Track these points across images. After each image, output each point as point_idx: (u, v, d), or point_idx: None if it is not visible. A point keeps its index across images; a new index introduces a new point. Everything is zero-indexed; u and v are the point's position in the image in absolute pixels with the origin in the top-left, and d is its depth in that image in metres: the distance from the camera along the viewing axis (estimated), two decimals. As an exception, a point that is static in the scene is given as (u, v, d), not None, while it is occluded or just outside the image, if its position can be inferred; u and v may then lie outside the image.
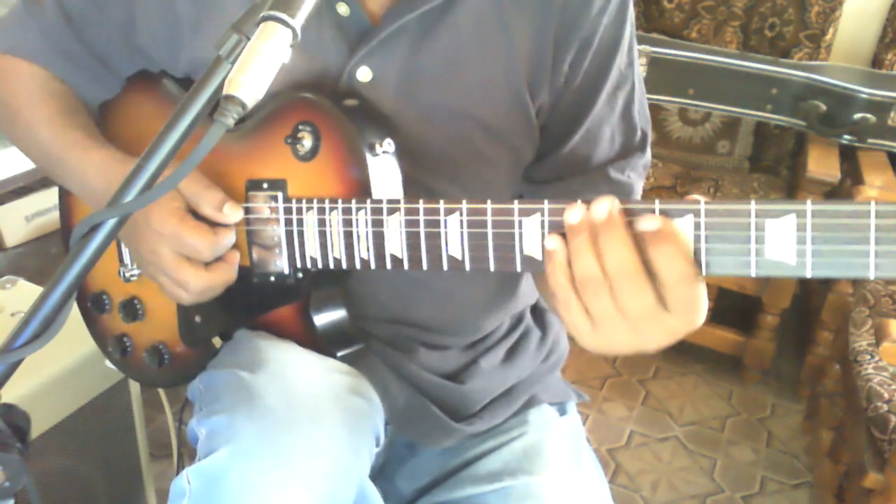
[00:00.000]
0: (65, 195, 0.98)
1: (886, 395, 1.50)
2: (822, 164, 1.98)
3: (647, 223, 0.56)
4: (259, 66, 0.57)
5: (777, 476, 1.96)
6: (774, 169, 2.39)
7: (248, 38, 0.59)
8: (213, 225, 0.76)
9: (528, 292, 0.96)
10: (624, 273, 0.56)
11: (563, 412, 0.98)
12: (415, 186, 0.77)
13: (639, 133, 0.89)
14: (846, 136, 2.02)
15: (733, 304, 2.21)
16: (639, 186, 0.89)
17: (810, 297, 2.38)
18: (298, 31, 0.58)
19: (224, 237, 0.75)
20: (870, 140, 2.01)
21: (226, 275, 0.77)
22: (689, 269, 0.55)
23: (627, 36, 0.84)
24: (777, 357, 2.25)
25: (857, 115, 1.98)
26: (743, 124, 2.34)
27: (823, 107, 2.01)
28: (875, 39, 2.32)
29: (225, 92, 0.56)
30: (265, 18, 0.58)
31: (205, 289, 0.77)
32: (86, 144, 0.84)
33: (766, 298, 2.11)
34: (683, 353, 2.37)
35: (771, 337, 2.17)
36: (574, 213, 0.58)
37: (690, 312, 0.57)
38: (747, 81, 2.09)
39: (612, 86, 0.85)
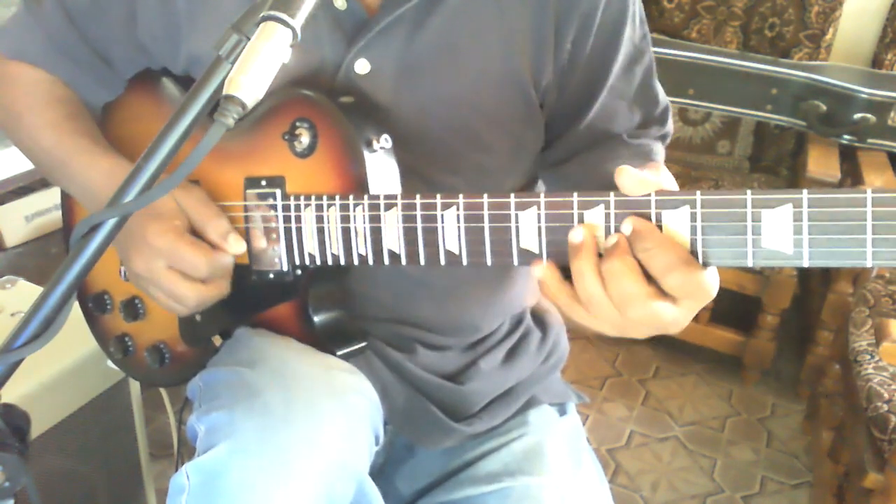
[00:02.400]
0: (67, 195, 0.98)
1: (886, 395, 1.50)
2: (822, 164, 1.98)
3: (624, 226, 0.58)
4: (259, 66, 0.57)
5: (777, 476, 1.96)
6: (774, 169, 2.39)
7: (248, 38, 0.59)
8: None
9: (528, 293, 0.96)
10: (629, 299, 0.57)
11: (563, 413, 0.98)
12: (414, 177, 0.77)
13: (661, 106, 0.89)
14: (846, 136, 2.02)
15: (733, 304, 2.21)
16: (657, 147, 0.88)
17: (810, 297, 2.38)
18: (298, 31, 0.59)
19: (222, 257, 0.76)
20: (870, 140, 2.01)
21: (220, 288, 0.78)
22: (674, 257, 0.56)
23: (634, 9, 0.84)
24: (777, 357, 2.25)
25: (857, 115, 1.98)
26: (743, 124, 2.34)
27: (823, 107, 2.01)
28: (875, 39, 2.32)
29: (225, 92, 0.56)
30: (265, 18, 0.58)
31: (201, 302, 0.77)
32: (92, 150, 0.84)
33: (766, 298, 2.11)
34: (683, 353, 2.37)
35: (771, 337, 2.17)
36: (577, 233, 0.59)
37: (697, 295, 0.58)
38: (747, 81, 2.09)
39: (627, 59, 0.84)
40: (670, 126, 0.91)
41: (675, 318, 0.59)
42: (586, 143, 0.86)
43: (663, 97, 0.90)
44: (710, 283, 0.58)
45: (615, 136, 0.86)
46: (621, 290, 0.57)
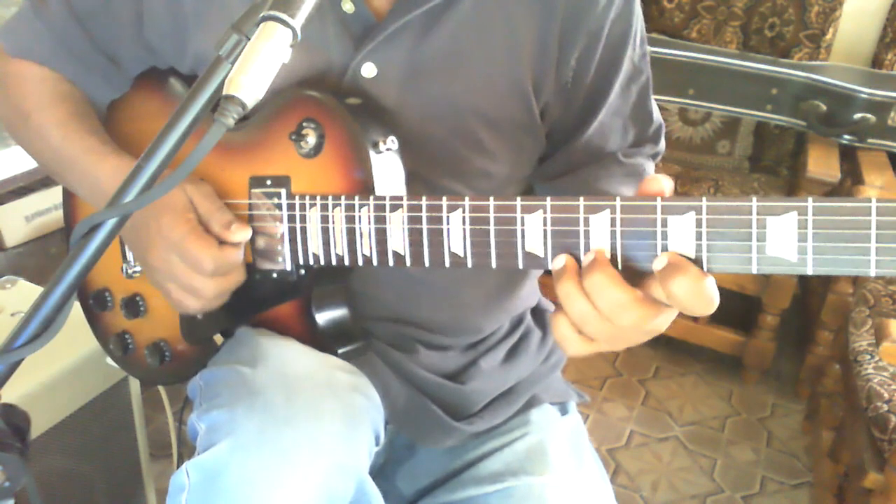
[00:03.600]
0: (69, 194, 0.98)
1: (886, 395, 1.50)
2: (822, 164, 1.98)
3: (656, 263, 0.57)
4: (259, 66, 0.56)
5: (777, 476, 1.96)
6: (774, 169, 2.39)
7: (248, 38, 0.59)
8: (221, 243, 0.76)
9: (528, 293, 0.96)
10: (618, 307, 0.57)
11: (564, 412, 0.98)
12: (417, 181, 0.77)
13: (654, 125, 0.91)
14: (846, 136, 2.02)
15: (733, 304, 2.21)
16: (649, 167, 0.91)
17: (810, 297, 2.38)
18: (298, 31, 0.58)
19: (228, 254, 0.75)
20: (870, 140, 2.01)
21: (236, 278, 0.78)
22: (700, 285, 0.55)
23: (637, 28, 0.85)
24: (777, 357, 2.25)
25: (857, 115, 1.98)
26: (743, 124, 2.34)
27: (823, 107, 2.01)
28: (875, 39, 2.32)
29: (225, 92, 0.56)
30: (265, 18, 0.58)
31: (216, 295, 0.77)
32: (100, 150, 0.84)
33: (766, 298, 2.11)
34: (683, 353, 2.37)
35: (771, 337, 2.17)
36: (558, 260, 0.60)
37: (704, 307, 0.57)
38: (747, 81, 2.09)
39: (626, 78, 0.86)
40: (662, 145, 0.93)
41: (666, 318, 0.59)
42: (581, 159, 0.88)
43: (657, 116, 0.92)
44: (711, 295, 0.56)
45: (609, 154, 0.88)
46: (608, 299, 0.57)
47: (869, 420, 1.49)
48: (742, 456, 2.02)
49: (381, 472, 0.91)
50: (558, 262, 0.60)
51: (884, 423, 1.45)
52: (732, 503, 1.87)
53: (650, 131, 0.91)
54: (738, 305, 2.21)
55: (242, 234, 0.76)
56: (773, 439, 2.09)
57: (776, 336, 2.18)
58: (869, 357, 1.62)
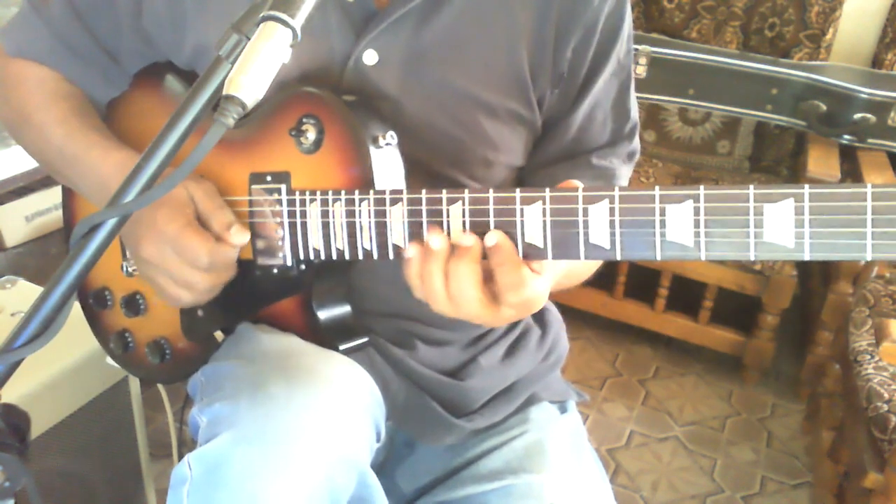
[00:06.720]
0: (69, 194, 0.98)
1: (886, 395, 1.50)
2: (822, 164, 1.98)
3: (488, 238, 0.63)
4: (259, 66, 0.57)
5: (777, 476, 1.96)
6: (774, 169, 2.40)
7: (248, 38, 0.59)
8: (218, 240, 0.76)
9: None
10: (465, 301, 0.64)
11: (563, 410, 0.99)
12: (418, 169, 0.77)
13: (631, 122, 0.91)
14: (846, 136, 2.02)
15: (733, 304, 2.21)
16: (623, 171, 0.91)
17: (810, 297, 2.38)
18: (298, 32, 0.59)
19: (224, 250, 0.76)
20: (870, 140, 2.01)
21: (227, 275, 0.78)
22: (520, 276, 0.62)
23: (626, 26, 0.86)
24: (777, 357, 2.25)
25: (857, 115, 1.98)
26: (743, 124, 2.34)
27: (823, 107, 2.01)
28: (875, 39, 2.32)
29: (225, 92, 0.56)
30: (265, 18, 0.59)
31: (208, 289, 0.77)
32: (104, 145, 0.84)
33: (766, 298, 2.11)
34: (683, 353, 2.37)
35: (771, 337, 2.17)
36: (435, 239, 0.65)
37: (526, 308, 0.66)
38: (747, 81, 2.09)
39: (609, 73, 0.87)
40: (637, 144, 0.93)
41: (508, 317, 0.66)
42: (558, 154, 0.88)
43: (634, 115, 0.92)
44: (541, 300, 0.65)
45: (584, 153, 0.88)
46: (460, 290, 0.64)
47: (869, 420, 1.49)
48: (742, 456, 2.02)
49: (382, 469, 0.91)
50: (435, 242, 0.65)
51: (884, 423, 1.45)
52: (732, 503, 1.87)
53: (626, 129, 0.91)
54: (738, 305, 2.21)
55: (241, 236, 0.77)
56: (773, 439, 2.09)
57: (776, 336, 2.18)
58: (869, 357, 1.62)
